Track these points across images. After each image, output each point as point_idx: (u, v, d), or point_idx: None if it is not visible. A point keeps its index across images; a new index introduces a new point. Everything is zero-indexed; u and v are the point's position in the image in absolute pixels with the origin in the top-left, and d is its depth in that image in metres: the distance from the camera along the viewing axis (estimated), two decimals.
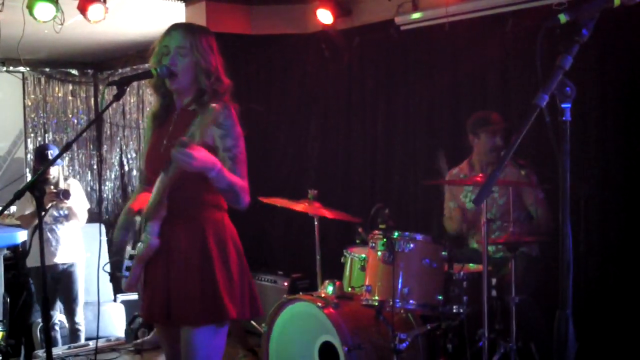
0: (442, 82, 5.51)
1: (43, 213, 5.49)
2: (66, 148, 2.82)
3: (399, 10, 5.62)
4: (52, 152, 5.79)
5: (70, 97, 8.98)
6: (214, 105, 2.77)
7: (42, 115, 8.82)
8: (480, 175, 4.27)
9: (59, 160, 5.77)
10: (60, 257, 5.92)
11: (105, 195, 9.10)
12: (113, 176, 9.02)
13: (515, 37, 4.96)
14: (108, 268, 3.02)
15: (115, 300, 7.13)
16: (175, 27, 2.92)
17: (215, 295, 2.72)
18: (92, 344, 5.65)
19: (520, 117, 4.61)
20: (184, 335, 2.79)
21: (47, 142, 8.62)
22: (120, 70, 8.46)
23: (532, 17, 4.76)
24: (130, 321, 6.06)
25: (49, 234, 5.81)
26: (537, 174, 4.40)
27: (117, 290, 7.06)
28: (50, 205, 5.61)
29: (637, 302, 4.40)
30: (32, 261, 5.74)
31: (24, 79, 8.60)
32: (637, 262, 4.44)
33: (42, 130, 8.82)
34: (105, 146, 9.02)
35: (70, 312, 6.02)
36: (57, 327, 6.03)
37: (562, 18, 2.04)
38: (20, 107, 8.66)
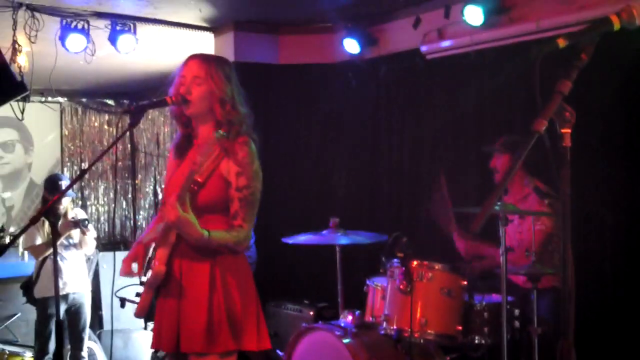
0: (468, 109, 5.47)
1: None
2: (80, 175, 2.92)
3: (425, 39, 5.62)
4: (64, 183, 5.68)
5: (106, 127, 9.15)
6: (234, 139, 2.84)
7: (79, 144, 9.00)
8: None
9: (70, 192, 5.73)
10: (72, 287, 5.79)
11: (139, 224, 9.21)
12: (147, 205, 9.13)
13: (540, 63, 4.91)
14: (122, 294, 3.06)
15: (145, 328, 7.13)
16: (192, 57, 2.98)
17: (221, 327, 2.79)
18: None
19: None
20: None
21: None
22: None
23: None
24: (156, 349, 6.05)
25: (60, 263, 5.61)
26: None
27: (149, 318, 7.07)
28: (67, 234, 5.56)
29: None
30: (41, 292, 5.66)
31: (61, 109, 8.80)
32: None
33: (79, 159, 8.99)
34: (140, 175, 9.15)
35: (78, 342, 5.85)
36: (84, 354, 5.95)
37: (561, 43, 2.02)
38: (58, 137, 8.85)
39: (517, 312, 3.99)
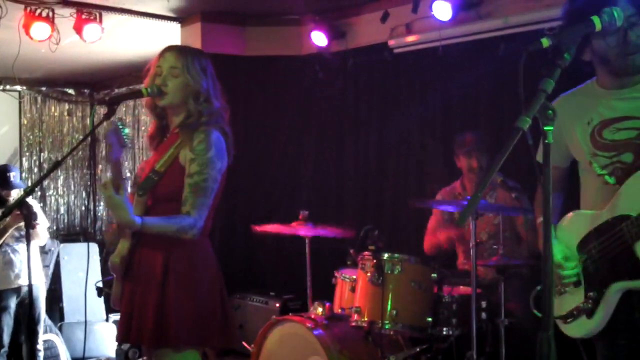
0: (435, 104, 5.53)
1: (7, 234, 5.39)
2: (54, 167, 2.85)
3: (393, 33, 5.66)
4: (14, 174, 5.62)
5: (66, 116, 8.99)
6: (195, 129, 2.84)
7: (38, 134, 8.83)
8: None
9: (20, 183, 5.64)
10: (25, 279, 5.56)
11: (99, 215, 9.10)
12: None
13: (507, 60, 5.00)
14: (100, 285, 3.05)
15: (107, 320, 7.10)
16: (169, 49, 2.97)
17: (169, 321, 2.71)
18: None
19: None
20: (153, 357, 2.82)
21: (42, 161, 8.64)
22: (116, 90, 8.46)
23: (524, 41, 4.79)
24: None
25: (12, 256, 5.53)
26: (529, 197, 4.39)
27: (110, 310, 7.03)
28: (15, 226, 5.37)
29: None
30: None
31: (20, 98, 8.63)
32: None
33: (38, 149, 8.82)
34: (100, 165, 9.03)
35: (33, 336, 5.68)
36: (40, 347, 5.82)
37: (545, 42, 2.06)
38: (16, 126, 8.68)
39: (484, 303, 4.06)
